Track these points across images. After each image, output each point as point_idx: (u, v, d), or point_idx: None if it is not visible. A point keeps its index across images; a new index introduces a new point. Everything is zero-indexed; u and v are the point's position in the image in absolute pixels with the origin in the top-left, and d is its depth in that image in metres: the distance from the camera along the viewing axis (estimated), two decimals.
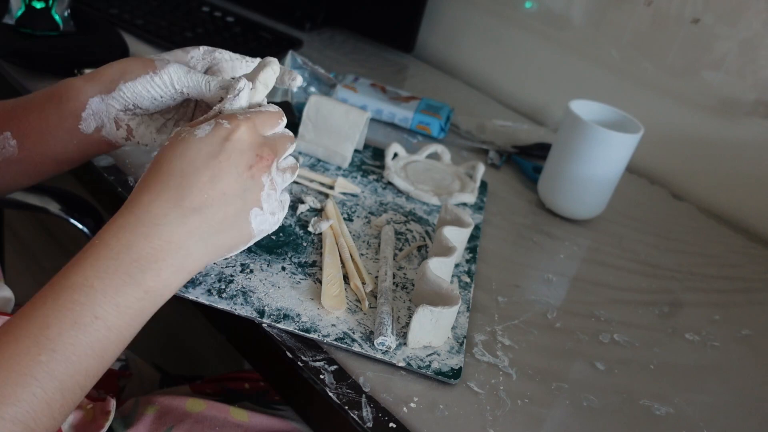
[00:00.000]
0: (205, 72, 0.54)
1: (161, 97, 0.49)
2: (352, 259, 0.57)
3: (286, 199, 0.49)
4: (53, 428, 0.36)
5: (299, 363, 0.47)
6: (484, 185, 0.78)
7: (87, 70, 0.75)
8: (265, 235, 0.47)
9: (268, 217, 0.45)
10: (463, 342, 0.52)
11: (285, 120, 0.49)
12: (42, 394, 0.35)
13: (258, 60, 0.54)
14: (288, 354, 0.47)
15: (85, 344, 0.37)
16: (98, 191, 0.65)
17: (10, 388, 0.34)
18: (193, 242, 0.41)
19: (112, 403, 0.55)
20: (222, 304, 0.50)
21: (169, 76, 0.48)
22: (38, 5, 0.80)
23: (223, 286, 0.51)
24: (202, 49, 0.53)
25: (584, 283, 0.66)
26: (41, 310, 0.37)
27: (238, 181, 0.43)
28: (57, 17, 0.81)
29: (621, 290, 0.66)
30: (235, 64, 0.55)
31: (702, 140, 0.90)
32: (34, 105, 0.50)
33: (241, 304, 0.50)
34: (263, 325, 0.49)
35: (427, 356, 0.49)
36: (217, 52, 0.54)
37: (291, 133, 0.50)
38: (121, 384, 0.66)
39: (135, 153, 0.66)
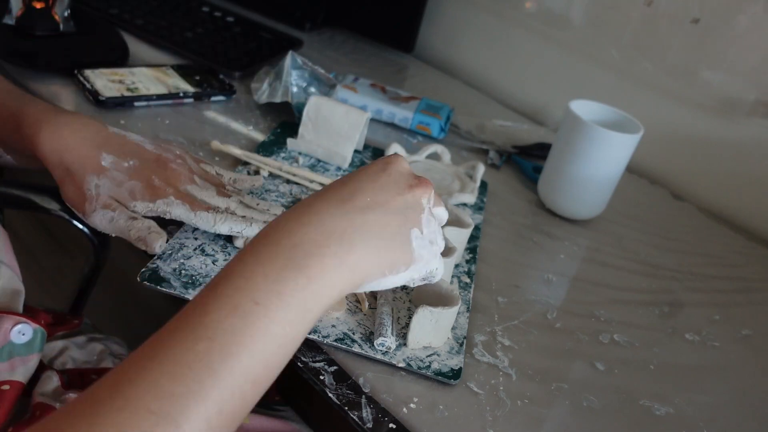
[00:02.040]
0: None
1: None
2: None
3: (441, 244, 0.46)
4: (205, 428, 0.32)
5: (299, 364, 0.47)
6: (484, 185, 0.78)
7: (87, 71, 0.76)
8: (426, 269, 0.44)
9: (427, 243, 0.44)
10: (463, 342, 0.52)
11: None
12: (195, 388, 0.31)
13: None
14: None
15: (243, 331, 0.33)
16: None
17: (161, 378, 0.31)
18: (357, 237, 0.39)
19: None
20: None
21: (92, 222, 0.52)
22: (38, 5, 0.80)
23: None
24: (147, 207, 0.52)
25: (584, 283, 0.66)
26: (200, 297, 0.35)
27: (400, 196, 0.43)
28: (57, 17, 0.81)
29: (621, 290, 0.66)
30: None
31: (702, 140, 0.90)
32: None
33: None
34: None
35: (427, 357, 0.49)
36: (168, 217, 0.53)
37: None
38: None
39: None
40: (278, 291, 0.35)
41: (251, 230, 0.53)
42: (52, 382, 0.57)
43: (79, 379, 0.61)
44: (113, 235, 0.52)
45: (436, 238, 0.45)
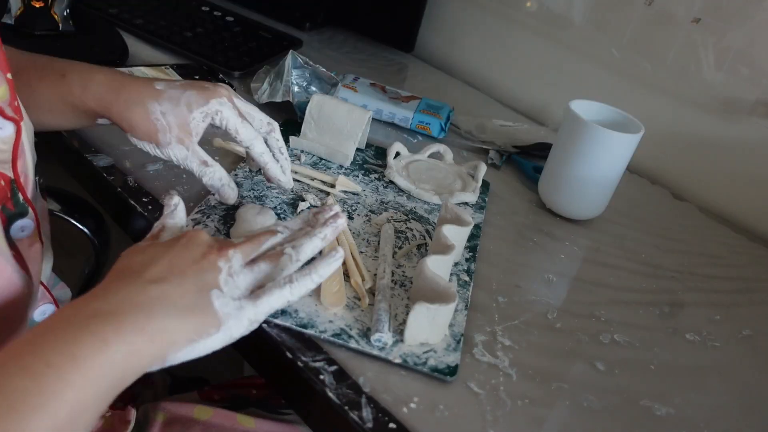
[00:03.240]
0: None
1: (159, 156, 0.56)
2: (353, 257, 0.57)
3: (261, 310, 0.44)
4: None
5: (299, 363, 0.47)
6: (486, 185, 0.78)
7: None
8: (238, 330, 0.43)
9: (230, 302, 0.42)
10: (460, 340, 0.52)
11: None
12: None
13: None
14: (288, 354, 0.47)
15: (36, 394, 0.33)
16: (98, 191, 0.65)
17: None
18: (156, 306, 0.39)
19: (133, 413, 0.56)
20: None
21: (169, 155, 0.55)
22: (37, 5, 0.80)
23: None
24: (203, 113, 0.55)
25: (584, 283, 0.66)
26: (5, 355, 0.34)
27: (194, 265, 0.42)
28: (56, 17, 0.81)
29: (621, 290, 0.66)
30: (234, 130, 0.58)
31: (702, 140, 0.90)
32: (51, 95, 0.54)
33: None
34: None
35: (423, 353, 0.49)
36: (219, 117, 0.56)
37: (269, 232, 0.49)
38: (136, 391, 0.66)
39: (135, 153, 0.66)
40: (73, 353, 0.34)
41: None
42: None
43: None
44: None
45: (241, 296, 0.44)
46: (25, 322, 0.46)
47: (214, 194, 0.59)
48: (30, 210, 0.45)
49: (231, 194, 0.57)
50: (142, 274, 0.40)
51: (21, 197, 0.44)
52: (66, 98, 0.54)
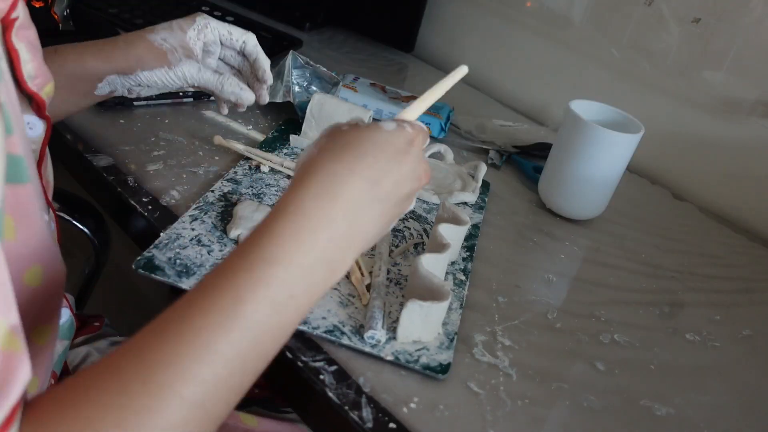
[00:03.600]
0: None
1: (172, 85, 0.61)
2: None
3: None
4: (225, 414, 0.33)
5: (299, 363, 0.47)
6: (486, 185, 0.78)
7: None
8: None
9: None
10: (453, 338, 0.52)
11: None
12: (224, 375, 0.31)
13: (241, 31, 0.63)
14: (288, 354, 0.47)
15: (275, 325, 0.34)
16: (98, 191, 0.65)
17: (194, 364, 0.30)
18: (371, 227, 0.40)
19: None
20: None
21: (182, 73, 0.60)
22: (37, 5, 0.80)
23: None
24: (195, 29, 0.60)
25: (584, 283, 0.66)
26: (233, 282, 0.33)
27: (412, 187, 0.42)
28: (56, 17, 0.81)
29: (621, 290, 0.66)
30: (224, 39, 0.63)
31: (702, 140, 0.90)
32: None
33: None
34: None
35: (416, 351, 0.49)
36: (209, 29, 0.61)
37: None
38: None
39: (135, 153, 0.66)
40: (310, 284, 0.36)
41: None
42: None
43: None
44: (201, 85, 0.61)
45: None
46: (58, 317, 0.46)
47: (227, 106, 0.65)
48: (51, 211, 0.46)
49: (250, 96, 0.62)
50: (379, 184, 0.39)
51: (44, 199, 0.44)
52: (61, 70, 0.54)
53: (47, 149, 0.45)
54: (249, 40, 0.63)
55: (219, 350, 0.31)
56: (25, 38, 0.38)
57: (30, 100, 0.42)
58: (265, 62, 0.64)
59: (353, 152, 0.39)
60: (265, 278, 0.34)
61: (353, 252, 0.39)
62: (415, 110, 0.47)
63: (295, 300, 0.35)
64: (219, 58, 0.64)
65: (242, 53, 0.64)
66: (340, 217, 0.37)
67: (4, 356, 0.27)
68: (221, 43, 0.62)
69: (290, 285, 0.34)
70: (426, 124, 0.88)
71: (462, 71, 0.50)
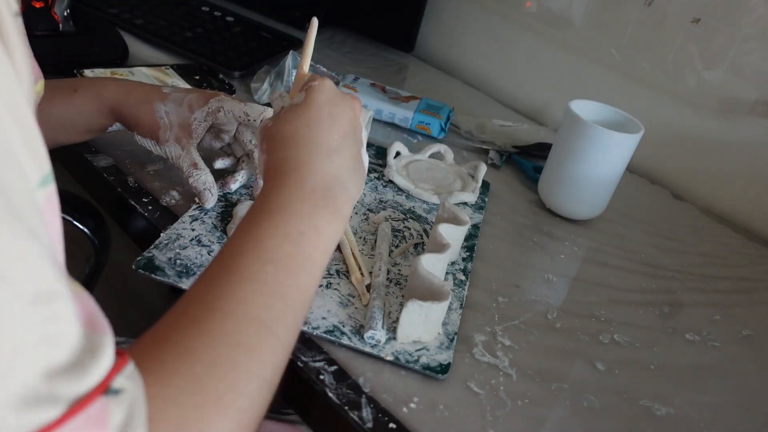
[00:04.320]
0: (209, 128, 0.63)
1: (159, 154, 0.61)
2: (353, 254, 0.58)
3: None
4: (293, 342, 0.38)
5: (299, 363, 0.47)
6: (486, 185, 0.78)
7: (86, 71, 0.76)
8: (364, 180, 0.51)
9: (366, 156, 0.51)
10: (453, 338, 0.52)
11: None
12: (272, 302, 0.37)
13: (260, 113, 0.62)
14: None
15: (297, 255, 0.40)
16: (98, 191, 0.65)
17: (247, 289, 0.36)
18: (344, 174, 0.46)
19: None
20: None
21: (167, 151, 0.59)
22: (38, 5, 0.80)
23: None
24: (203, 112, 0.59)
25: (584, 283, 0.66)
26: (251, 232, 0.40)
27: (349, 122, 0.49)
28: (56, 17, 0.81)
29: (621, 290, 0.66)
30: (239, 125, 0.63)
31: (702, 140, 0.90)
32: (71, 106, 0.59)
33: None
34: None
35: (416, 351, 0.49)
36: (222, 113, 0.59)
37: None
38: None
39: (135, 154, 0.66)
40: (314, 225, 0.42)
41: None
42: None
43: None
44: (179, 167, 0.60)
45: (365, 138, 0.52)
46: None
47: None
48: None
49: (210, 199, 0.59)
50: (323, 145, 0.46)
51: None
52: (80, 110, 0.58)
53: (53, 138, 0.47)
54: (268, 115, 0.61)
55: (261, 279, 0.38)
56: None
57: None
58: None
59: (292, 138, 0.47)
60: (275, 222, 0.41)
61: (340, 196, 0.45)
62: (304, 65, 0.55)
63: (306, 237, 0.41)
64: (234, 137, 0.64)
65: None
66: (312, 175, 0.44)
67: (77, 296, 0.28)
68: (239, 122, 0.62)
69: (297, 224, 0.41)
70: (426, 124, 0.88)
71: (314, 23, 0.56)
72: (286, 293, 0.38)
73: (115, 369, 0.27)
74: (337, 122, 0.48)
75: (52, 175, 0.29)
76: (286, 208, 0.42)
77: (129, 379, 0.27)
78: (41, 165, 0.27)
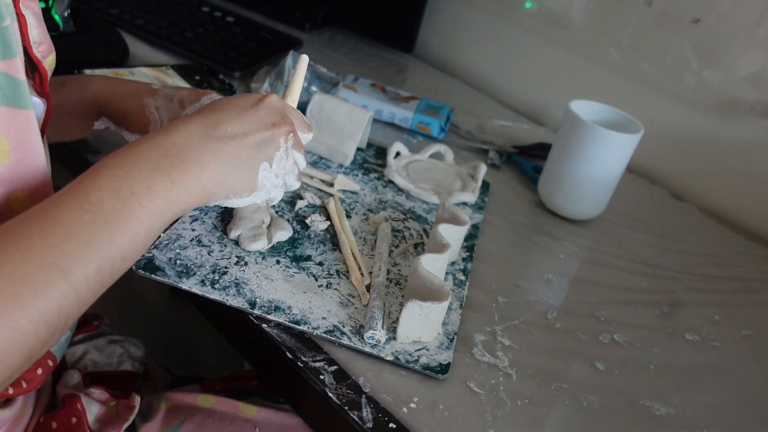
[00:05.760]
0: None
1: None
2: (353, 254, 0.58)
3: (290, 183, 0.52)
4: (87, 294, 0.38)
5: (299, 363, 0.47)
6: (486, 185, 0.78)
7: (87, 71, 0.76)
8: (263, 198, 0.49)
9: (272, 177, 0.49)
10: (453, 338, 0.52)
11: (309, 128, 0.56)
12: (76, 249, 0.36)
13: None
14: (288, 354, 0.47)
15: (121, 212, 0.39)
16: None
17: (52, 232, 0.36)
18: (211, 160, 0.45)
19: (137, 399, 0.57)
20: (214, 295, 0.50)
21: None
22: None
23: (217, 278, 0.52)
24: (194, 109, 0.57)
25: (584, 283, 0.66)
26: (82, 183, 0.39)
27: (259, 130, 0.48)
28: (57, 17, 0.81)
29: (621, 290, 0.66)
30: None
31: (702, 140, 0.90)
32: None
33: (234, 295, 0.50)
34: (252, 316, 0.50)
35: (415, 351, 0.50)
36: None
37: (309, 124, 0.56)
38: (137, 386, 0.67)
39: None
40: (149, 187, 0.41)
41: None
42: (74, 378, 0.60)
43: (98, 379, 0.64)
44: None
45: (284, 174, 0.51)
46: None
47: None
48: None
49: None
50: (215, 128, 0.46)
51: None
52: (65, 104, 0.57)
53: (46, 130, 0.47)
54: None
55: (74, 229, 0.37)
56: (29, 8, 0.42)
57: (33, 75, 0.44)
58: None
59: (201, 111, 0.47)
60: (107, 178, 0.40)
61: (191, 171, 0.43)
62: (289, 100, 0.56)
63: (136, 196, 0.40)
64: None
65: None
66: (173, 145, 0.43)
67: None
68: None
69: (130, 183, 0.40)
70: (426, 124, 0.88)
71: (303, 60, 0.58)
72: (95, 245, 0.37)
73: None
74: (249, 120, 0.48)
75: None
76: (129, 164, 0.41)
77: None
78: None
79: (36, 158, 0.42)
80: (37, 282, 0.34)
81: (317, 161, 0.73)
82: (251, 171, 0.47)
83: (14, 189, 0.41)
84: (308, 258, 0.57)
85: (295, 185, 0.53)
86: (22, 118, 0.40)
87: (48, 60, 0.45)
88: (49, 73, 0.45)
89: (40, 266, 0.35)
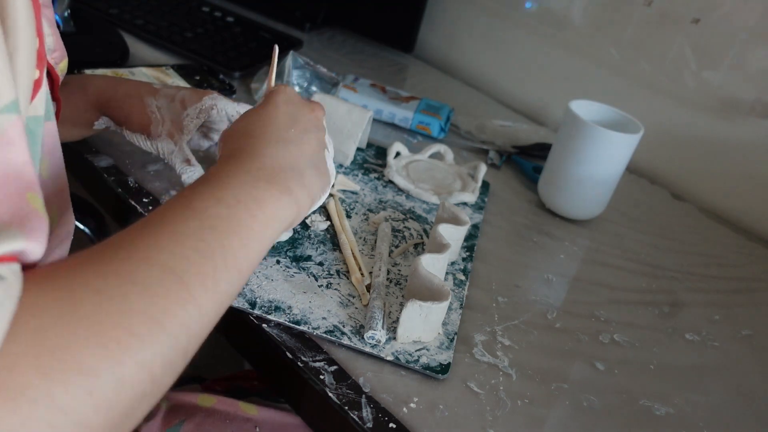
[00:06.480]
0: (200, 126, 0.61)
1: (149, 151, 0.60)
2: (353, 254, 0.58)
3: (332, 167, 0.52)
4: (207, 305, 0.35)
5: (299, 363, 0.47)
6: (486, 185, 0.78)
7: (87, 71, 0.76)
8: (329, 186, 0.49)
9: (331, 162, 0.50)
10: (453, 338, 0.52)
11: None
12: (189, 255, 0.34)
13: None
14: (288, 354, 0.47)
15: (229, 218, 0.37)
16: (98, 191, 0.65)
17: (162, 237, 0.34)
18: (301, 163, 0.44)
19: None
20: None
21: (158, 147, 0.58)
22: None
23: None
24: (196, 109, 0.58)
25: (584, 283, 0.66)
26: (188, 193, 0.38)
27: (309, 121, 0.48)
28: (57, 17, 0.81)
29: (621, 290, 0.66)
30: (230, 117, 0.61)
31: (702, 140, 0.90)
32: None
33: None
34: (252, 316, 0.49)
35: (416, 351, 0.50)
36: (215, 111, 0.58)
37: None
38: None
39: (135, 154, 0.66)
40: (255, 196, 0.39)
41: None
42: None
43: None
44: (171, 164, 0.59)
45: (331, 160, 0.51)
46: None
47: None
48: None
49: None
50: (278, 135, 0.45)
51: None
52: (65, 103, 0.56)
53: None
54: None
55: (192, 236, 0.35)
56: (44, 15, 0.41)
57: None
58: None
59: (246, 134, 0.45)
60: (209, 188, 0.38)
61: (292, 179, 0.43)
62: (272, 81, 0.55)
63: (243, 204, 0.38)
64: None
65: None
66: (262, 158, 0.43)
67: (31, 210, 0.28)
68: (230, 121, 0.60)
69: (234, 191, 0.39)
70: (426, 124, 0.88)
71: (275, 51, 0.55)
72: (208, 251, 0.34)
73: (4, 258, 0.26)
74: (295, 119, 0.47)
75: (17, 107, 0.29)
76: (225, 179, 0.40)
77: (13, 274, 0.26)
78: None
79: (57, 164, 0.42)
80: (150, 285, 0.32)
81: None
82: (323, 163, 0.48)
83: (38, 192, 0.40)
84: (308, 258, 0.57)
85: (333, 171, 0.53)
86: (50, 127, 0.40)
87: (60, 66, 0.45)
88: (61, 78, 0.45)
89: (151, 267, 0.32)
